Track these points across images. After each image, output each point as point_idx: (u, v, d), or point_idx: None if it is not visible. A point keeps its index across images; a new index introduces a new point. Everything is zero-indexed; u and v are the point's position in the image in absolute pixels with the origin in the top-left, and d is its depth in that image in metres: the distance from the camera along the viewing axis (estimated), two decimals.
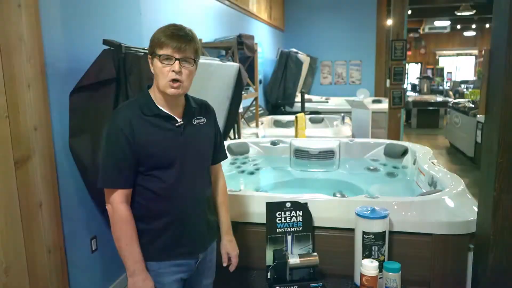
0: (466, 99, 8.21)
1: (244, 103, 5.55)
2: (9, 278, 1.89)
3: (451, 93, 13.48)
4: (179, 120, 1.50)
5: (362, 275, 1.69)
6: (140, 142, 1.42)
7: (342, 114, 6.26)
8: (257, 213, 2.07)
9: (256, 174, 3.54)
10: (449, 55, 18.37)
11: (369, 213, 1.82)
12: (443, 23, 13.24)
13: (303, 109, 5.69)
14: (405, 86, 5.94)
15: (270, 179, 3.58)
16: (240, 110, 4.24)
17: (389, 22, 8.36)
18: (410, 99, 10.55)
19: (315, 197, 2.17)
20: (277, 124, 6.55)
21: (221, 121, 3.89)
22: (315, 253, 1.91)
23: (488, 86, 1.69)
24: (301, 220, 2.02)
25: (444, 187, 2.26)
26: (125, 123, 1.41)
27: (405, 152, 3.44)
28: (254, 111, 5.92)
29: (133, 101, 1.50)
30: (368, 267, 1.67)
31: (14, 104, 1.92)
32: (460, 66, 18.36)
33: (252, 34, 5.28)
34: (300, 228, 2.02)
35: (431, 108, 10.38)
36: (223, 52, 5.06)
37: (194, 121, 1.55)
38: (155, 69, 1.43)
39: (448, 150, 7.72)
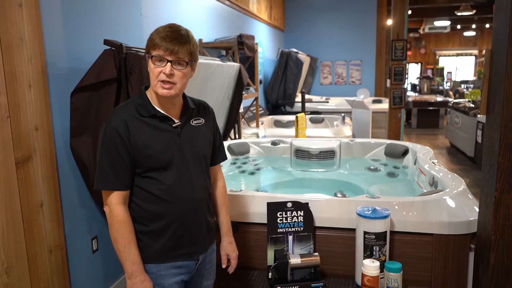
0: (467, 99, 8.21)
1: (245, 103, 5.56)
2: (10, 278, 1.89)
3: (451, 93, 13.48)
4: (176, 120, 1.49)
5: (363, 275, 1.69)
6: (137, 143, 1.41)
7: (343, 114, 6.26)
8: (258, 213, 2.07)
9: (256, 174, 3.54)
10: (449, 55, 18.37)
11: (370, 213, 1.82)
12: (443, 23, 13.24)
13: (303, 109, 5.69)
14: (405, 86, 5.93)
15: (271, 179, 3.58)
16: (241, 110, 4.24)
17: (389, 22, 8.36)
18: (410, 99, 10.55)
19: (316, 197, 2.17)
20: (278, 124, 6.55)
21: (221, 121, 3.90)
22: (316, 253, 1.91)
23: (489, 86, 1.68)
24: (302, 220, 2.02)
25: (445, 187, 2.26)
26: (121, 124, 1.40)
27: (405, 152, 3.44)
28: (254, 111, 5.92)
29: (130, 102, 1.48)
30: (369, 267, 1.67)
31: (15, 104, 1.92)
32: (460, 66, 18.36)
33: (253, 34, 5.28)
34: (301, 228, 2.02)
35: (431, 108, 10.38)
36: (224, 52, 5.06)
37: (192, 122, 1.53)
38: (149, 69, 1.42)
39: (449, 150, 7.72)
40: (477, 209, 1.88)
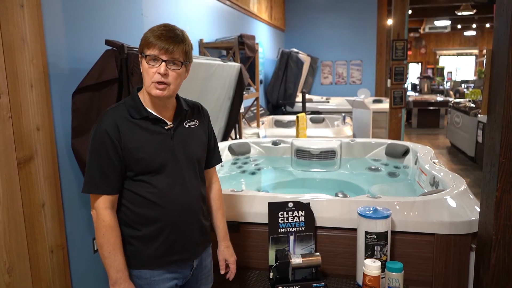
0: (467, 99, 8.21)
1: (245, 103, 5.56)
2: (12, 278, 1.90)
3: (451, 92, 13.48)
4: (169, 123, 1.45)
5: (364, 275, 1.69)
6: (128, 146, 1.37)
7: (343, 114, 6.26)
8: (259, 213, 2.08)
9: (257, 174, 3.54)
10: (449, 55, 18.37)
11: (372, 213, 1.82)
12: (443, 23, 13.24)
13: (304, 109, 5.70)
14: (406, 86, 5.94)
15: (272, 179, 3.58)
16: (241, 110, 4.25)
17: (390, 22, 8.36)
18: (410, 99, 10.55)
19: (317, 197, 2.17)
20: (278, 124, 6.55)
21: (222, 121, 3.90)
22: (318, 253, 1.91)
23: (490, 86, 1.69)
24: (303, 220, 2.02)
25: (446, 187, 2.26)
26: (112, 126, 1.36)
27: (406, 152, 3.44)
28: (255, 111, 5.92)
29: (121, 104, 1.44)
30: (371, 267, 1.67)
31: (17, 104, 1.93)
32: (460, 65, 18.35)
33: (253, 34, 5.28)
34: (303, 228, 2.02)
35: (431, 108, 10.38)
36: (224, 52, 5.06)
37: (186, 124, 1.50)
38: (142, 69, 1.39)
39: (449, 150, 7.72)
40: (478, 209, 1.89)
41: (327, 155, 3.67)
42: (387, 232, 1.83)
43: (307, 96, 7.71)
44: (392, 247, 1.94)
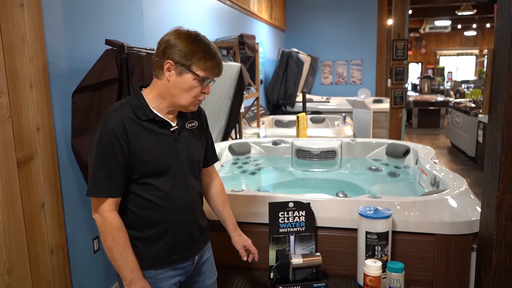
0: (467, 99, 8.21)
1: (245, 103, 5.56)
2: (12, 279, 1.89)
3: (452, 92, 13.47)
4: (173, 124, 1.44)
5: (365, 275, 1.68)
6: (135, 148, 1.34)
7: (344, 114, 6.25)
8: (260, 213, 2.07)
9: (257, 174, 3.53)
10: (449, 55, 18.36)
11: (372, 213, 1.82)
12: (443, 23, 13.23)
13: (304, 109, 5.69)
14: (406, 85, 5.93)
15: (272, 179, 3.58)
16: (242, 110, 4.24)
17: (390, 22, 8.36)
18: (410, 99, 10.53)
19: (318, 197, 2.17)
20: (278, 124, 6.55)
21: (222, 121, 3.90)
22: (318, 253, 1.90)
23: (491, 86, 1.68)
24: (304, 220, 2.01)
25: (446, 187, 2.25)
26: (119, 127, 1.32)
27: (407, 152, 3.43)
28: (255, 111, 5.92)
29: (125, 104, 1.39)
30: (372, 267, 1.66)
31: (16, 104, 1.92)
32: (460, 66, 18.34)
33: (253, 34, 5.28)
34: (303, 228, 2.01)
35: (432, 108, 10.37)
36: (225, 52, 5.06)
37: (187, 125, 1.49)
38: (182, 82, 1.35)
39: (449, 150, 7.72)
40: (479, 209, 1.88)
41: (328, 155, 3.67)
42: (388, 232, 1.83)
43: (308, 96, 7.71)
44: (393, 247, 1.93)
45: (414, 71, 17.94)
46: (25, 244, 1.98)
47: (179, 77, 1.35)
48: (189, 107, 1.40)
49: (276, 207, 1.99)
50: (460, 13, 10.30)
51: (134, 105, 1.38)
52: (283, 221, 2.00)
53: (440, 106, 10.34)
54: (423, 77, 14.58)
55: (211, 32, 4.83)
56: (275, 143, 3.87)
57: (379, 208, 1.86)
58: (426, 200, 2.03)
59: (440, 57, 18.41)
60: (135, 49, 2.28)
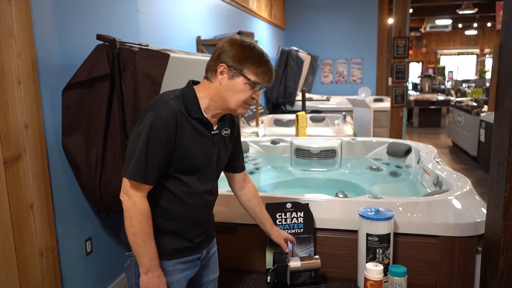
0: (469, 98, 8.15)
1: None
2: None
3: (453, 91, 13.43)
4: (215, 128, 1.49)
5: (366, 279, 1.62)
6: (181, 142, 1.37)
7: (344, 113, 6.19)
8: None
9: (256, 173, 3.48)
10: (450, 54, 18.33)
11: (373, 214, 1.76)
12: (444, 22, 13.19)
13: (304, 108, 5.63)
14: (407, 84, 5.87)
15: (271, 178, 3.53)
16: None
17: (391, 20, 8.30)
18: (411, 98, 10.49)
19: (317, 197, 2.11)
20: (278, 123, 6.48)
21: None
22: (317, 256, 1.86)
23: (498, 81, 1.61)
24: (302, 221, 1.96)
25: (450, 187, 2.19)
26: (173, 119, 1.35)
27: (408, 151, 3.37)
28: (254, 110, 5.85)
29: (179, 97, 1.42)
30: (373, 271, 1.60)
31: (3, 102, 1.86)
32: (461, 65, 18.31)
33: (252, 32, 5.21)
34: (301, 230, 1.96)
35: (433, 107, 10.31)
36: None
37: (223, 132, 1.54)
38: (234, 85, 1.40)
39: (451, 149, 7.66)
40: (484, 210, 1.82)
41: (327, 154, 3.61)
42: (389, 234, 1.77)
43: (307, 95, 7.65)
44: (395, 250, 1.88)
45: (415, 70, 17.90)
46: (12, 247, 1.92)
47: (231, 81, 1.40)
48: (237, 110, 1.45)
49: (274, 208, 1.95)
50: (461, 12, 10.25)
51: (187, 99, 1.42)
52: (280, 223, 1.95)
53: (441, 105, 10.28)
54: (424, 76, 14.55)
55: (208, 29, 4.76)
56: (274, 142, 3.82)
57: (380, 209, 1.80)
58: (429, 201, 1.97)
59: (441, 56, 18.38)
60: (127, 44, 2.21)
